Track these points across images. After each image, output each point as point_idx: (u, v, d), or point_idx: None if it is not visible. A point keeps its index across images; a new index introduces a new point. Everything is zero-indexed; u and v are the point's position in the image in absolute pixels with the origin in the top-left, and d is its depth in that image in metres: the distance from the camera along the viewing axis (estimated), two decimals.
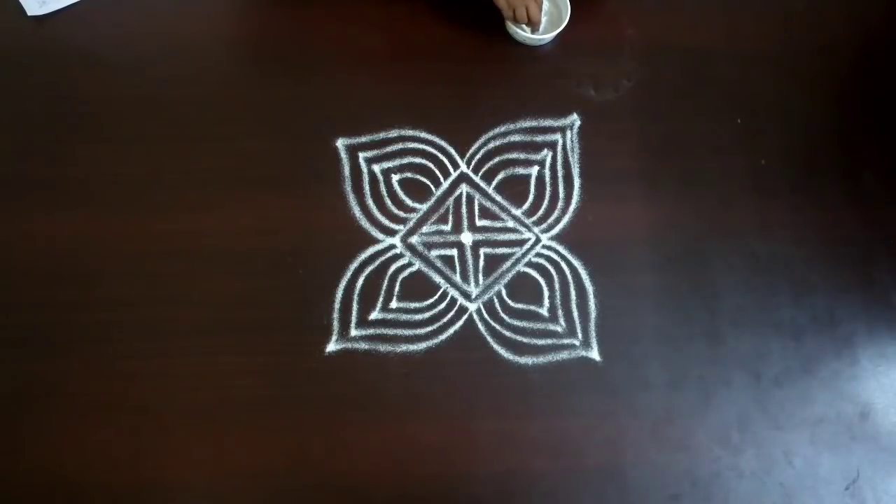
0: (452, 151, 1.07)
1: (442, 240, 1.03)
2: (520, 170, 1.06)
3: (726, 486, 0.94)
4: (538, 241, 1.03)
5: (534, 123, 1.08)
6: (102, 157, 1.04)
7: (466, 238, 1.03)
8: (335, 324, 0.98)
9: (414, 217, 1.04)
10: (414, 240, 1.03)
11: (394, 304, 0.99)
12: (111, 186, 1.03)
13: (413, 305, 0.99)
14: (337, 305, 0.99)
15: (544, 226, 1.04)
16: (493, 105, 1.09)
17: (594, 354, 0.98)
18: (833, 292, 1.03)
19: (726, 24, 1.16)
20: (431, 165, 1.06)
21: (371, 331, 0.98)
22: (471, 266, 1.02)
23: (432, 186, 1.05)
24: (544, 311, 1.00)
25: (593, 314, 1.00)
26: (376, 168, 1.06)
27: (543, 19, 1.12)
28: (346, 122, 1.07)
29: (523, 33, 1.08)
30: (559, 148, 1.08)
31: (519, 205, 1.05)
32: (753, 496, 0.94)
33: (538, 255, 1.03)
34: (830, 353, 1.00)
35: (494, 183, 1.06)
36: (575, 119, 1.09)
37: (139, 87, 1.08)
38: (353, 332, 0.98)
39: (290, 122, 1.07)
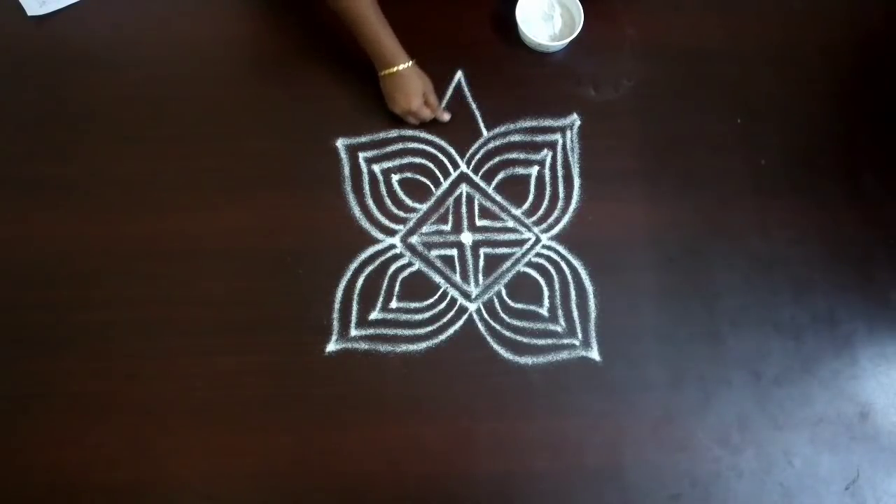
0: (452, 151, 1.07)
1: (442, 240, 1.03)
2: (520, 170, 1.06)
3: (726, 486, 0.94)
4: (538, 241, 1.03)
5: (534, 123, 1.08)
6: (102, 157, 1.05)
7: (466, 238, 1.03)
8: (335, 324, 0.98)
9: (414, 217, 1.04)
10: (414, 240, 1.03)
11: (394, 304, 0.99)
12: (111, 186, 1.03)
13: (413, 305, 0.99)
14: (337, 305, 0.99)
15: (544, 226, 1.04)
16: (493, 105, 1.09)
17: (594, 354, 0.98)
18: (833, 292, 1.03)
19: (726, 24, 1.16)
20: (431, 165, 1.06)
21: (371, 331, 0.98)
22: (471, 266, 1.02)
23: (432, 186, 1.05)
24: (544, 311, 1.00)
25: (593, 314, 1.00)
26: (376, 168, 1.06)
27: (558, 24, 1.11)
28: (346, 122, 1.07)
29: (537, 40, 1.08)
30: (559, 148, 1.08)
31: (519, 205, 1.05)
32: (753, 496, 0.94)
33: (538, 255, 1.03)
34: (830, 353, 1.00)
35: (494, 183, 1.06)
36: (575, 119, 1.09)
37: (139, 87, 1.08)
38: (353, 332, 0.98)
39: (290, 122, 1.07)
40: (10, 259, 1.00)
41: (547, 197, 1.05)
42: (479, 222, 1.04)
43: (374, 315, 0.99)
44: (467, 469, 0.93)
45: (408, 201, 1.04)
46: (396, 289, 1.00)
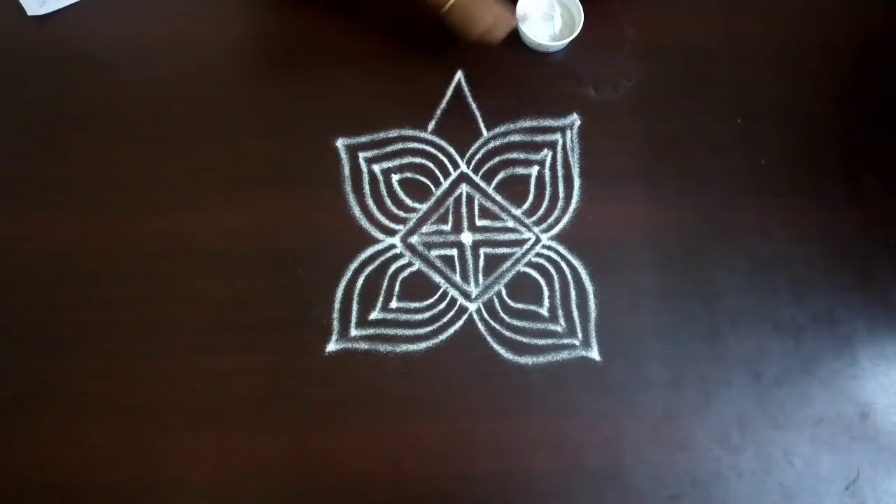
0: (452, 151, 1.07)
1: (442, 240, 1.03)
2: (520, 170, 1.06)
3: (726, 486, 0.94)
4: (538, 240, 1.03)
5: (534, 123, 1.08)
6: (102, 157, 1.04)
7: (466, 238, 1.03)
8: (335, 324, 0.98)
9: (414, 217, 1.04)
10: (414, 240, 1.03)
11: (394, 304, 0.99)
12: (111, 186, 1.03)
13: (413, 305, 0.99)
14: (337, 305, 0.99)
15: (544, 226, 1.04)
16: (492, 105, 1.09)
17: (594, 354, 0.98)
18: (833, 292, 1.03)
19: (726, 24, 1.16)
20: (431, 165, 1.06)
21: (371, 331, 0.98)
22: (471, 266, 1.02)
23: (432, 186, 1.05)
24: (544, 311, 1.00)
25: (593, 314, 1.00)
26: (376, 168, 1.06)
27: (558, 24, 1.11)
28: (346, 122, 1.07)
29: (537, 40, 1.08)
30: (559, 148, 1.08)
31: (519, 205, 1.05)
32: (753, 496, 0.94)
33: (538, 254, 1.03)
34: (830, 353, 1.00)
35: (494, 183, 1.06)
36: (575, 119, 1.09)
37: (139, 87, 1.08)
38: (353, 332, 0.98)
39: (290, 122, 1.07)
40: (9, 259, 1.00)
41: (547, 197, 1.05)
42: (479, 222, 1.04)
43: (374, 315, 0.99)
44: (467, 469, 0.93)
45: (408, 201, 1.04)
46: (396, 289, 1.00)
